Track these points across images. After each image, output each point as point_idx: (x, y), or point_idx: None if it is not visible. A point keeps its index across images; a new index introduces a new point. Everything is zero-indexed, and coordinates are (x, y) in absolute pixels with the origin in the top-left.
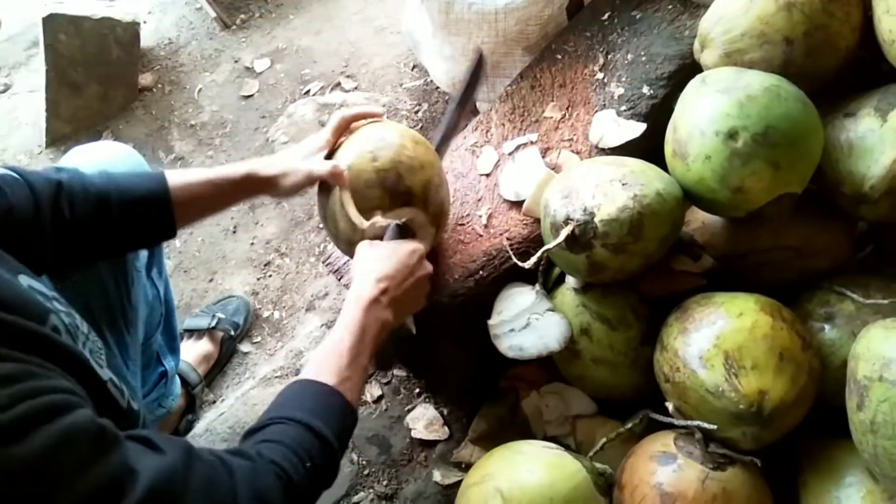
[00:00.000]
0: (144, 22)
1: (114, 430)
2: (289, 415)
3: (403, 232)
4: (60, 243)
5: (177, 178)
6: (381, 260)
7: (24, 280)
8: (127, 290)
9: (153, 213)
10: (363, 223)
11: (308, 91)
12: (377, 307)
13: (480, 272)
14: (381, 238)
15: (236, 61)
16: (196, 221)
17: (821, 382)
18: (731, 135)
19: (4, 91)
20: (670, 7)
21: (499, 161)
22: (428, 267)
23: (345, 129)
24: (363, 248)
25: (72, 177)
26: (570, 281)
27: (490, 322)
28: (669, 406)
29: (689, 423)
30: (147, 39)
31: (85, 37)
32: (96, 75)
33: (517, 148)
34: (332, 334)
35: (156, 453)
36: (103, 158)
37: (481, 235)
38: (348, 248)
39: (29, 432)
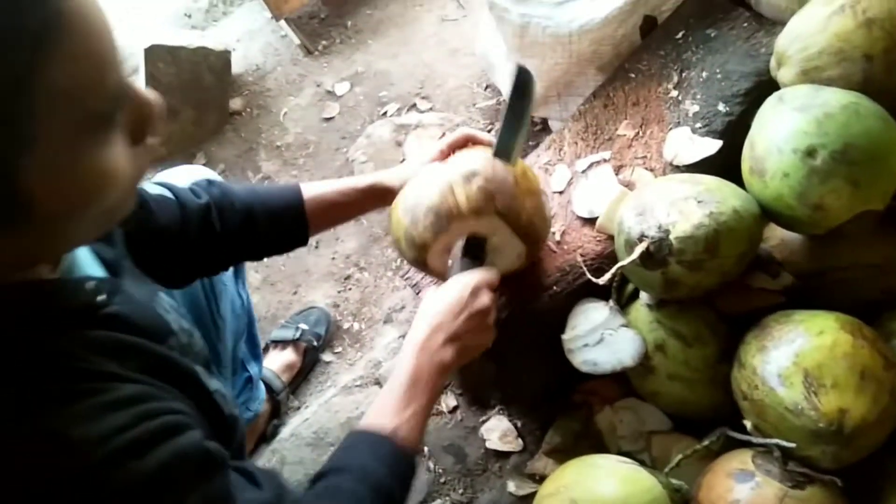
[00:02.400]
0: (233, 49)
1: (221, 453)
2: (348, 466)
3: (473, 248)
4: (207, 253)
5: (310, 189)
6: (433, 302)
7: (162, 298)
8: (216, 303)
9: (291, 223)
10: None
11: (385, 112)
12: (430, 349)
13: (554, 287)
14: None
15: (318, 85)
16: (326, 229)
17: None
18: (810, 152)
19: None
20: (745, 25)
21: (572, 179)
22: (485, 299)
23: (461, 145)
24: (428, 293)
25: (221, 193)
26: (644, 297)
27: (564, 337)
28: (747, 424)
29: (767, 441)
30: (236, 66)
31: (181, 65)
32: (191, 101)
33: (590, 165)
34: (390, 380)
35: (255, 488)
36: (187, 177)
37: (555, 252)
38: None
39: (146, 451)
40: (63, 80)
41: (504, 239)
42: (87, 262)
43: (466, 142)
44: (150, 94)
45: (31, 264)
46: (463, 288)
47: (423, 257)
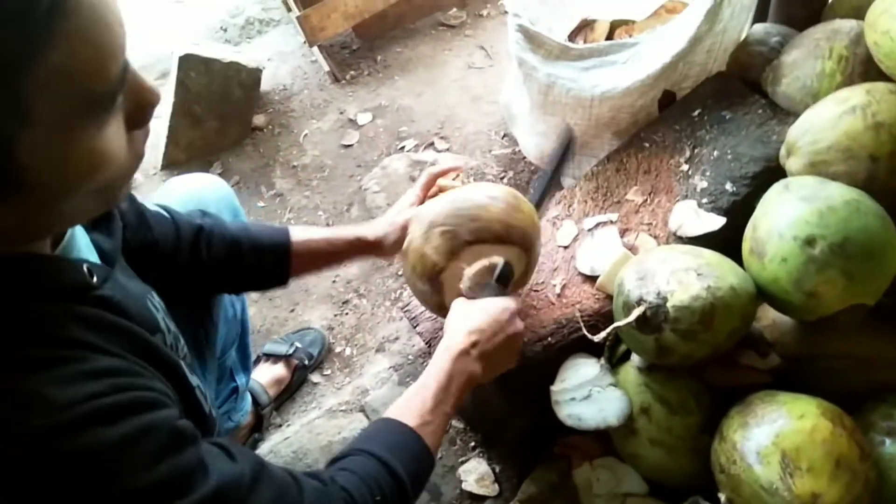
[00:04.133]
0: (263, 68)
1: (193, 431)
2: (368, 448)
3: (504, 275)
4: (192, 278)
5: (298, 233)
6: (473, 315)
7: (153, 297)
8: (209, 310)
9: (274, 262)
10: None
11: (403, 147)
12: (466, 359)
13: (549, 338)
14: (484, 276)
15: (341, 112)
16: (310, 273)
17: (876, 496)
18: (809, 241)
19: None
20: (760, 112)
21: (578, 235)
22: (519, 325)
23: (432, 184)
24: (458, 304)
25: (214, 222)
26: (636, 360)
27: (553, 388)
28: (721, 497)
29: None
30: (264, 84)
31: (213, 76)
32: (216, 112)
33: (597, 225)
34: (420, 379)
35: (230, 459)
36: (198, 187)
37: (553, 303)
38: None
39: (115, 420)
40: (64, 62)
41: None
42: (85, 247)
43: (436, 179)
44: (150, 82)
45: (29, 237)
46: (503, 310)
47: (439, 272)
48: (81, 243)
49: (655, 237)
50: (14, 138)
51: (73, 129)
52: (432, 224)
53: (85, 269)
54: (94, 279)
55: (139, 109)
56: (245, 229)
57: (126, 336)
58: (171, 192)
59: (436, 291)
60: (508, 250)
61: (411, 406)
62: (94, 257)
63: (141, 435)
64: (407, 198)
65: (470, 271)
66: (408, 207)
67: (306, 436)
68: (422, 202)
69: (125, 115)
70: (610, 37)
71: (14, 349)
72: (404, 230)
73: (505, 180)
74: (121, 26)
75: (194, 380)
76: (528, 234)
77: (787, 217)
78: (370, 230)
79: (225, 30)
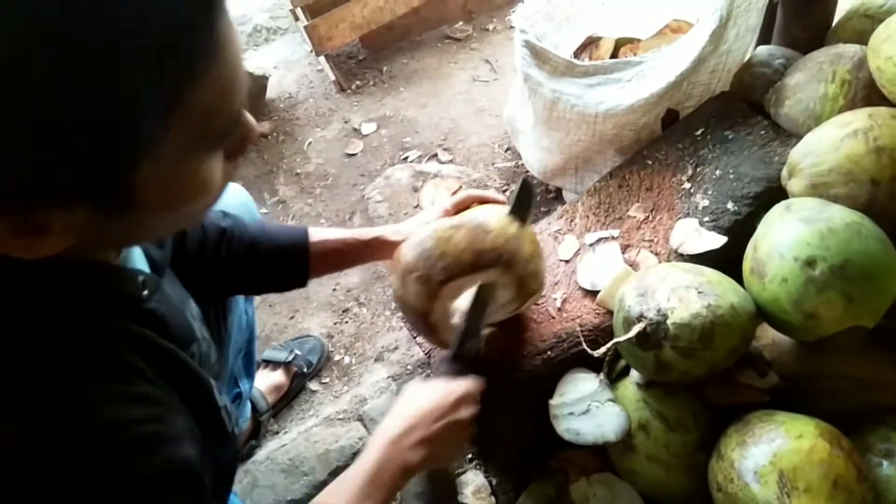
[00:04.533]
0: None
1: (202, 477)
2: None
3: (481, 296)
4: (215, 278)
5: (316, 234)
6: (416, 399)
7: (191, 305)
8: (225, 317)
9: (293, 263)
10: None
11: (406, 157)
12: (401, 447)
13: (549, 352)
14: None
15: (346, 122)
16: (327, 273)
17: None
18: (809, 262)
19: None
20: (763, 132)
21: (579, 250)
22: (465, 413)
23: (467, 205)
24: (409, 386)
25: (235, 223)
26: (635, 375)
27: (551, 402)
28: None
29: None
30: (270, 91)
31: None
32: None
33: (599, 241)
34: (351, 468)
35: None
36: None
37: (554, 317)
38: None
39: (152, 451)
40: (203, 101)
41: (503, 291)
42: (138, 256)
43: (472, 202)
44: (254, 121)
45: (113, 248)
46: (447, 394)
47: (427, 315)
48: (135, 252)
49: (657, 254)
50: (138, 162)
51: (191, 160)
52: (405, 272)
53: (140, 280)
54: (146, 291)
55: (240, 144)
56: (264, 229)
57: (165, 358)
58: None
59: (433, 332)
60: (487, 274)
61: (342, 497)
62: (145, 266)
63: (173, 469)
64: (435, 210)
65: (455, 309)
66: (435, 217)
67: (303, 443)
68: (451, 215)
69: (227, 147)
70: (615, 55)
71: (69, 361)
72: None
73: (507, 193)
74: (246, 74)
75: (222, 400)
76: (504, 250)
77: (788, 238)
78: (392, 233)
79: None
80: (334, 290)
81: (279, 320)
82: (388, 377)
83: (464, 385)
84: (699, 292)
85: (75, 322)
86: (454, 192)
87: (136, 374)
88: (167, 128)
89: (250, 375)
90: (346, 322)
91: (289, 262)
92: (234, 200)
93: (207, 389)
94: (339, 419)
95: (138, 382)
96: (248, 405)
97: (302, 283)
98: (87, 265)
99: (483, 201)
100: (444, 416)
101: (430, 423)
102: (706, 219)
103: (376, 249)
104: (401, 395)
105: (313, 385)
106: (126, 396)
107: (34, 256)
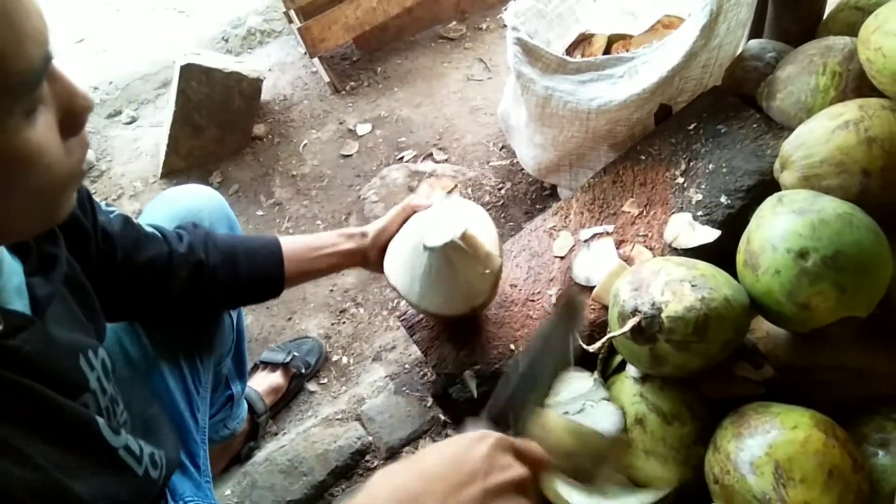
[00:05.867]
0: (264, 78)
1: None
2: None
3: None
4: (187, 300)
5: (288, 242)
6: (435, 449)
7: (94, 357)
8: (206, 324)
9: (270, 274)
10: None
11: (402, 158)
12: None
13: None
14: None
15: (341, 123)
16: (301, 283)
17: None
18: (802, 254)
19: (130, 123)
20: (755, 126)
21: (574, 246)
22: (519, 470)
23: (408, 215)
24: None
25: (206, 236)
26: (630, 370)
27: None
28: None
29: None
30: (265, 94)
31: (214, 86)
32: (217, 121)
33: (593, 236)
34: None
35: None
36: (192, 200)
37: (549, 313)
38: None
39: None
40: None
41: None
42: (14, 291)
43: (413, 212)
44: (82, 89)
45: None
46: (482, 459)
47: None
48: (11, 286)
49: (651, 249)
50: None
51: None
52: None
53: None
54: (2, 326)
55: (71, 115)
56: (237, 242)
57: (21, 396)
58: (165, 205)
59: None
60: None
61: None
62: (22, 303)
63: None
64: (391, 214)
65: None
66: (391, 218)
67: (302, 444)
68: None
69: (59, 121)
70: (607, 51)
71: None
72: (389, 222)
73: (503, 191)
74: (39, 17)
75: (118, 441)
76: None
77: (781, 230)
78: (356, 232)
79: (226, 40)
80: (331, 290)
81: (277, 322)
82: (386, 376)
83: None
84: (693, 285)
85: None
86: (450, 191)
87: None
88: None
89: (242, 377)
90: (344, 322)
91: (266, 275)
92: (209, 206)
93: (91, 429)
94: (337, 419)
95: None
96: (244, 406)
97: (276, 294)
98: None
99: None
100: (475, 483)
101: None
102: (700, 213)
103: (345, 256)
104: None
105: (312, 386)
106: None
107: None
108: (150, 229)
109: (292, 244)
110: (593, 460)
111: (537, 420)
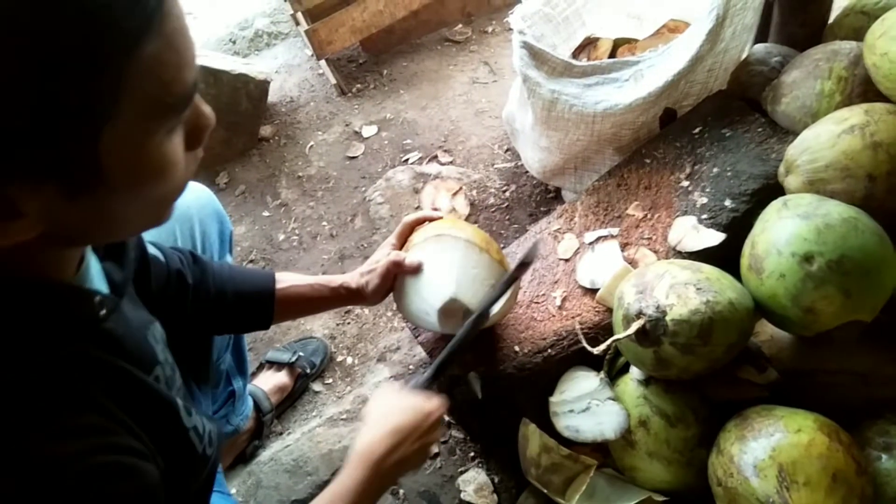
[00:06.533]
0: (271, 80)
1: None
2: None
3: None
4: (177, 321)
5: (284, 279)
6: (398, 413)
7: (149, 325)
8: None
9: (257, 310)
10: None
11: (407, 160)
12: (382, 468)
13: (549, 350)
14: None
15: (347, 125)
16: (291, 319)
17: None
18: (807, 258)
19: None
20: (759, 130)
21: (579, 249)
22: (437, 435)
23: (408, 233)
24: (386, 392)
25: (202, 269)
26: (635, 372)
27: (552, 399)
28: None
29: None
30: (272, 95)
31: (221, 87)
32: (224, 122)
33: (598, 239)
34: (336, 483)
35: None
36: (181, 200)
37: (554, 316)
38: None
39: (104, 482)
40: (157, 57)
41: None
42: (97, 276)
43: (412, 228)
44: (208, 108)
45: (82, 240)
46: (426, 416)
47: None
48: (95, 272)
49: (656, 252)
50: (101, 129)
51: (150, 131)
52: None
53: (96, 300)
54: (103, 311)
55: (196, 130)
56: (231, 277)
57: (122, 380)
58: None
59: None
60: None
61: None
62: (104, 287)
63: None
64: (384, 248)
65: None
66: (385, 255)
67: (307, 444)
68: (399, 248)
69: (185, 135)
70: (613, 55)
71: (20, 400)
72: (384, 277)
73: (507, 193)
74: (194, 46)
75: (190, 421)
76: None
77: (786, 234)
78: (353, 280)
79: (234, 42)
80: None
81: (282, 322)
82: (391, 377)
83: (438, 408)
84: (698, 289)
85: (25, 350)
86: (454, 194)
87: (83, 402)
88: (120, 93)
89: (243, 373)
90: (349, 323)
91: (253, 309)
92: (198, 204)
93: (173, 411)
94: (342, 419)
95: (85, 413)
96: (248, 403)
97: (265, 328)
98: (41, 286)
99: (420, 222)
100: (421, 437)
101: (410, 445)
102: (704, 216)
103: (341, 297)
104: (377, 401)
105: (316, 386)
106: (68, 430)
107: (6, 243)
108: (153, 250)
109: (287, 276)
110: (564, 479)
111: (521, 429)
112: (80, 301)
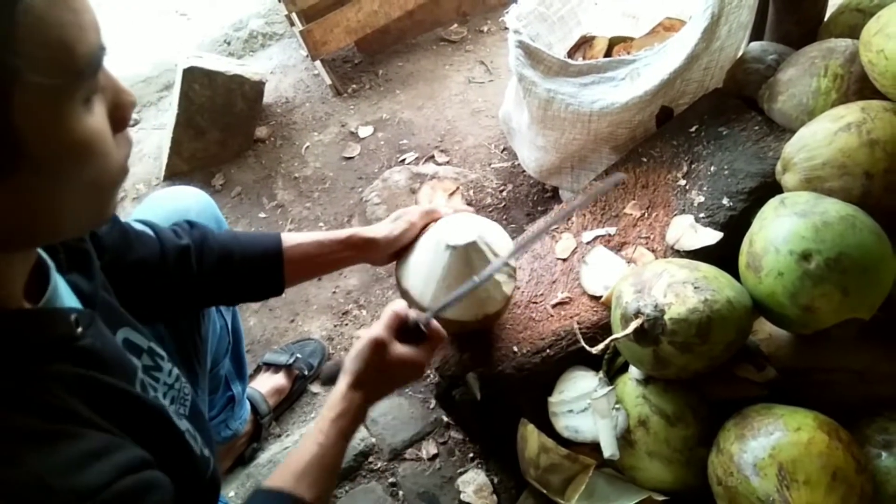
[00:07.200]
0: (266, 81)
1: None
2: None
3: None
4: (183, 294)
5: (290, 239)
6: (396, 367)
7: (122, 334)
8: (197, 325)
9: (267, 272)
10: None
11: (404, 160)
12: (369, 404)
13: (548, 350)
14: None
15: (343, 125)
16: (305, 279)
17: None
18: (805, 256)
19: (133, 125)
20: (756, 128)
21: (576, 248)
22: (425, 372)
23: (428, 221)
24: (380, 341)
25: (202, 235)
26: (634, 372)
27: (551, 399)
28: None
29: None
30: (267, 96)
31: (216, 89)
32: (219, 123)
33: (595, 238)
34: (318, 437)
35: None
36: (180, 201)
37: (552, 315)
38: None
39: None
40: (49, 19)
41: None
42: (66, 293)
43: (432, 219)
44: (122, 84)
45: (22, 238)
46: (417, 372)
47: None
48: (62, 289)
49: (653, 251)
50: (9, 95)
51: (62, 99)
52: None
53: (72, 318)
54: (80, 328)
55: (118, 109)
56: (235, 240)
57: (109, 396)
58: (153, 208)
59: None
60: None
61: (311, 476)
62: (74, 301)
63: None
64: (410, 214)
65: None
66: (404, 225)
67: None
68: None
69: (108, 114)
70: (609, 54)
71: (6, 423)
72: (411, 226)
73: (504, 193)
74: (93, 11)
75: (183, 424)
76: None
77: (784, 232)
78: (366, 230)
79: (229, 43)
80: (334, 292)
81: (279, 324)
82: None
83: (429, 362)
84: (696, 287)
85: (3, 379)
86: (451, 194)
87: (83, 423)
88: (16, 44)
89: (242, 378)
90: (347, 324)
91: (263, 270)
92: (197, 207)
93: (164, 417)
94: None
95: (89, 434)
96: (246, 407)
97: (278, 291)
98: (6, 317)
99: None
100: (407, 382)
101: (397, 387)
102: (702, 215)
103: (355, 247)
104: (367, 346)
105: (314, 388)
106: (81, 456)
107: None
108: (140, 227)
109: (295, 235)
110: (563, 479)
111: (520, 430)
112: (52, 323)
